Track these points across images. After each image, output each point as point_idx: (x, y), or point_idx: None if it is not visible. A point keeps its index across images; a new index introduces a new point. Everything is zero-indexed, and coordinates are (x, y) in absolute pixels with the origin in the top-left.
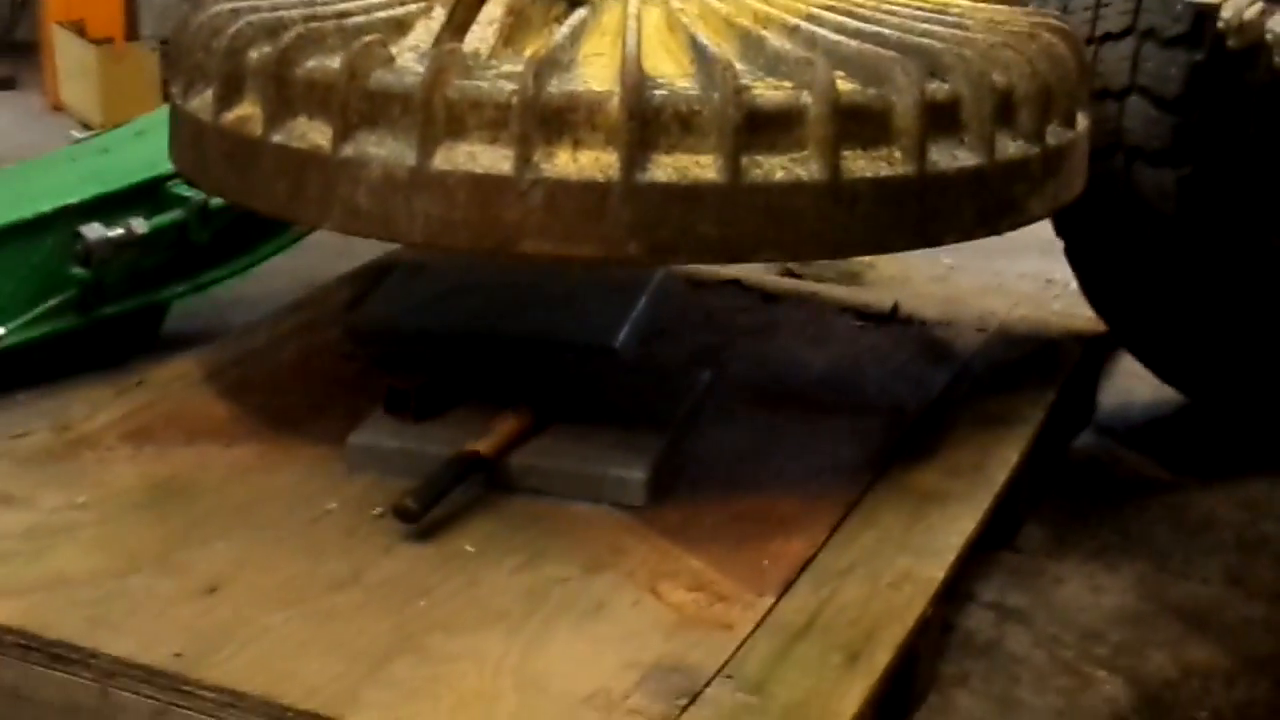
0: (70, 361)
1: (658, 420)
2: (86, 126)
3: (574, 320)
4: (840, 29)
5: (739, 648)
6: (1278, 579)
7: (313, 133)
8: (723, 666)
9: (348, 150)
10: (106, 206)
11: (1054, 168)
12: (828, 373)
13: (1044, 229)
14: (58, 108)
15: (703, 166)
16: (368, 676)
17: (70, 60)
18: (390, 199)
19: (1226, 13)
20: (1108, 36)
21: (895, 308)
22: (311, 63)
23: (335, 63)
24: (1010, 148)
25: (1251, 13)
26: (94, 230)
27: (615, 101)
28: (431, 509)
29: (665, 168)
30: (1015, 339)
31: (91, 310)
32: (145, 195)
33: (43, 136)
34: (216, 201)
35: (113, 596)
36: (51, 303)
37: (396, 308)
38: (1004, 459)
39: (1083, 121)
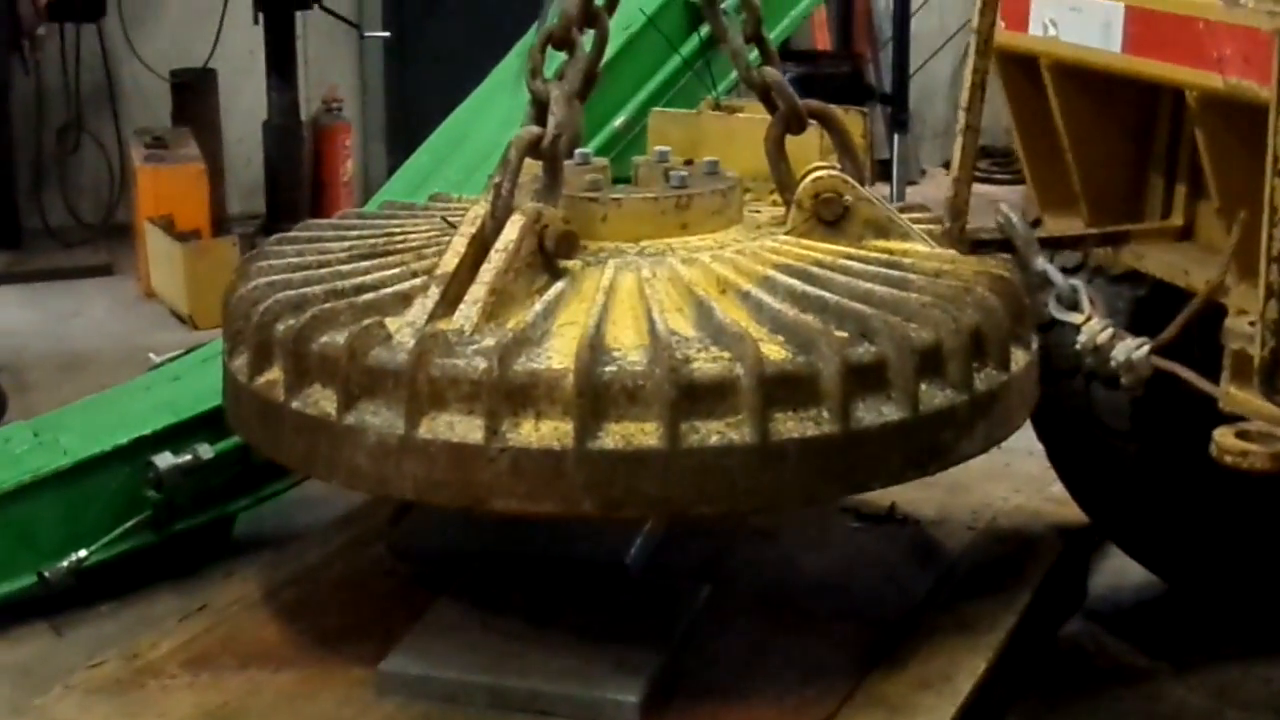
0: (149, 569)
1: (656, 638)
2: (176, 316)
3: (588, 538)
4: (789, 293)
5: None
6: None
7: (323, 400)
8: None
9: (350, 419)
10: (177, 435)
11: (984, 410)
12: (822, 578)
13: None
14: (150, 295)
15: (646, 434)
16: None
17: (159, 254)
18: (384, 462)
19: (1083, 337)
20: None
21: (892, 508)
22: (324, 339)
23: (341, 340)
24: (937, 398)
25: (1138, 354)
26: (165, 459)
27: (570, 379)
28: None
29: (614, 435)
30: (1002, 535)
31: (165, 528)
32: (212, 422)
33: (134, 325)
34: None
35: None
36: (128, 524)
37: (430, 527)
38: (972, 669)
39: (1022, 358)
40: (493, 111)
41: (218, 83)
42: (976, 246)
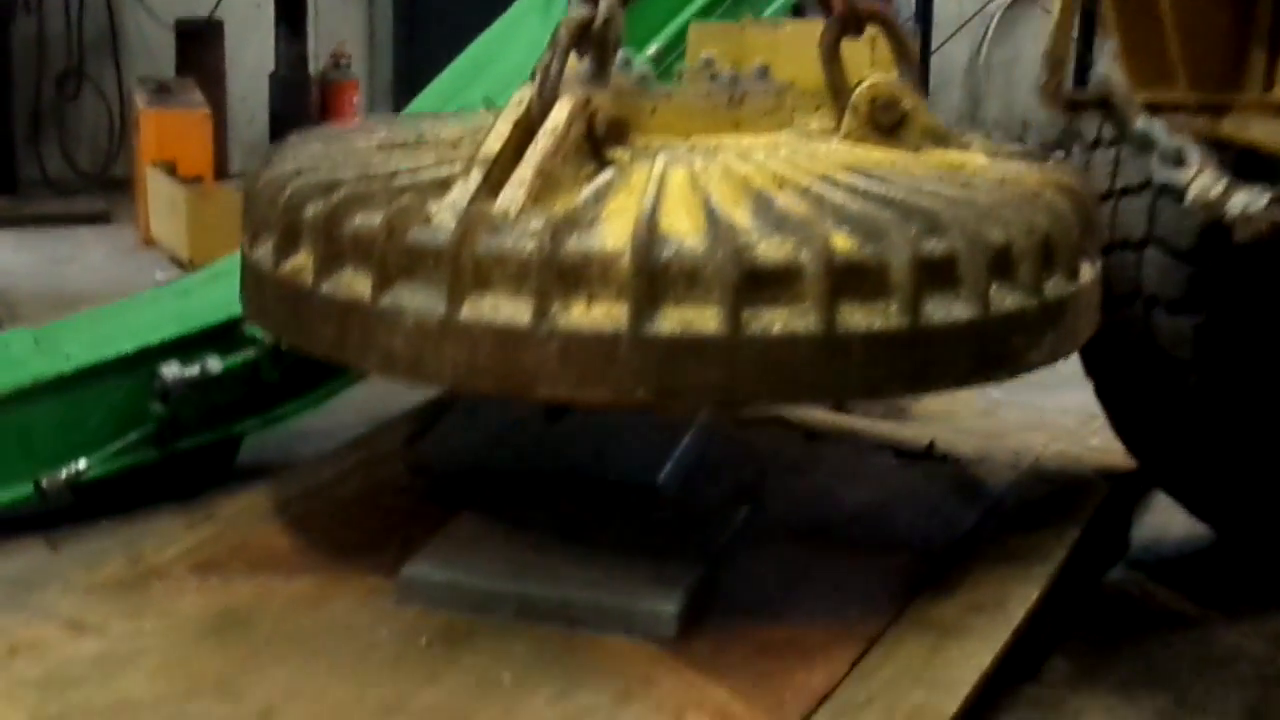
0: (148, 492)
1: (693, 553)
2: (175, 262)
3: (619, 458)
4: (850, 189)
5: None
6: None
7: (356, 283)
8: None
9: (385, 300)
10: (184, 347)
11: (1053, 319)
12: (861, 510)
13: None
14: (149, 242)
15: (706, 319)
16: None
17: (160, 198)
18: (422, 346)
19: (1193, 192)
20: (1126, 190)
21: (931, 445)
22: (358, 219)
23: (378, 220)
24: (1007, 300)
25: (1257, 207)
26: (172, 369)
27: (626, 259)
28: None
29: (671, 320)
30: (1047, 476)
31: (168, 444)
32: (220, 336)
33: (133, 271)
34: None
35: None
36: (130, 437)
37: (453, 445)
38: (1024, 596)
39: (1088, 273)
40: (521, 34)
41: (224, 33)
42: (1073, 106)
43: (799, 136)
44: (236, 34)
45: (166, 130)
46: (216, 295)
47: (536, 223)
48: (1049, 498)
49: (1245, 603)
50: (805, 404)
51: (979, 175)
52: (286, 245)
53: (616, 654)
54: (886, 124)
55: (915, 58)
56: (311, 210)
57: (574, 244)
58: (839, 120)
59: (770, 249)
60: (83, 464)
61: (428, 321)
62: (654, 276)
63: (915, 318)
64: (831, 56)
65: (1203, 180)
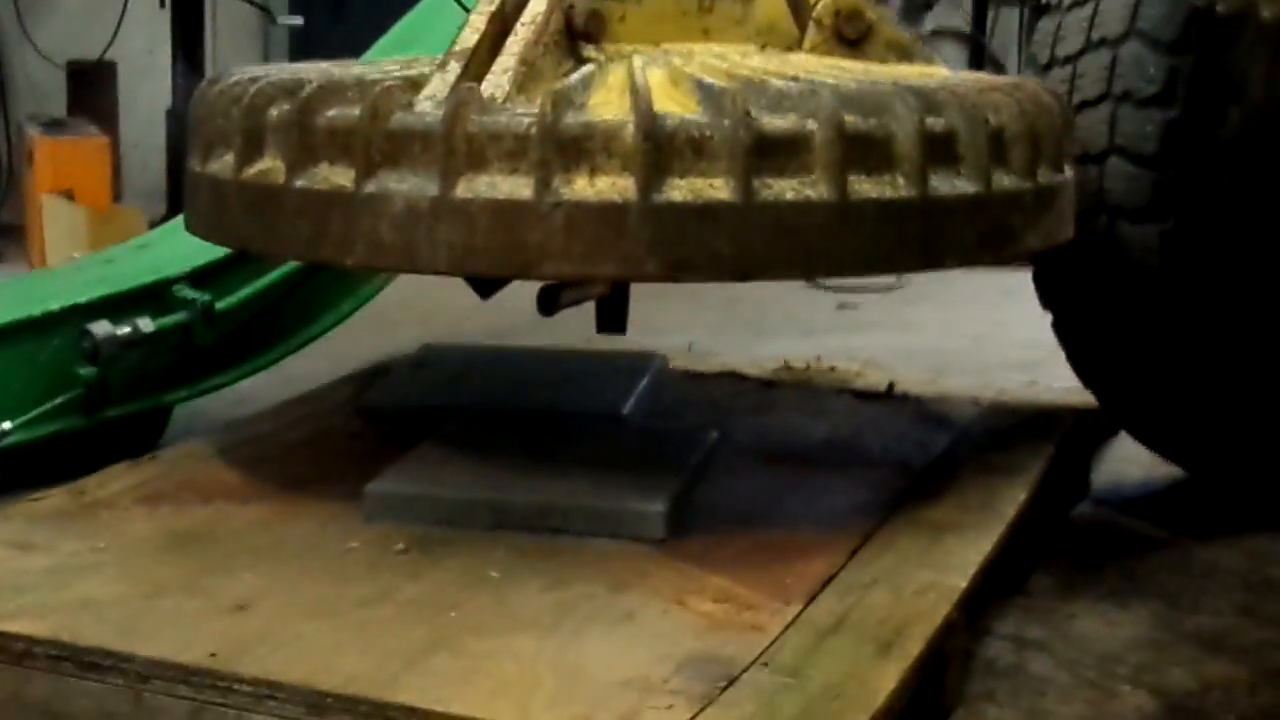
0: (72, 466)
1: (671, 466)
2: None
3: (579, 395)
4: (839, 78)
5: (772, 643)
6: None
7: (335, 175)
8: (758, 657)
9: (370, 187)
10: (114, 307)
11: (1046, 204)
12: (830, 438)
13: (1028, 350)
14: None
15: (716, 188)
16: (405, 669)
17: (60, 226)
18: (413, 230)
19: None
20: (1084, 104)
21: (891, 386)
22: (332, 111)
23: (355, 111)
24: (1005, 181)
25: None
26: (102, 327)
27: (630, 128)
28: None
29: (680, 189)
30: (1010, 409)
31: (96, 411)
32: (151, 298)
33: None
34: (221, 304)
35: (141, 614)
36: (57, 400)
37: (406, 389)
38: (1012, 497)
39: (1070, 171)
40: (444, 19)
41: (117, 75)
42: None
43: (769, 48)
44: (129, 77)
45: (63, 159)
46: (145, 260)
47: (529, 106)
48: (1017, 425)
49: (1217, 530)
50: (819, 276)
51: (951, 82)
52: (250, 150)
53: (605, 554)
54: (851, 36)
55: None
56: (277, 111)
57: (574, 117)
58: (801, 36)
59: (777, 118)
60: (6, 425)
61: (419, 204)
62: (660, 145)
63: (923, 189)
64: None
65: None
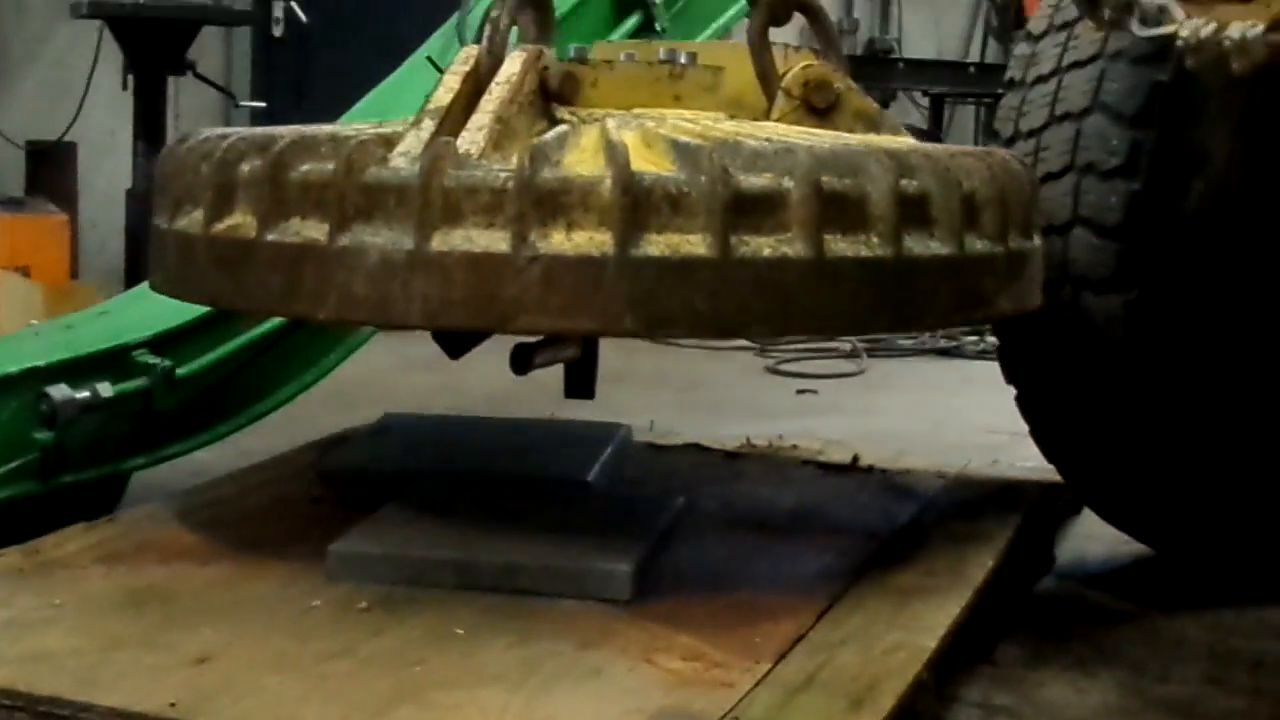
0: (24, 534)
1: (638, 530)
2: None
3: (544, 461)
4: (812, 141)
5: (742, 699)
6: (1255, 680)
7: (308, 229)
8: (728, 712)
9: (344, 240)
10: (73, 371)
11: (1017, 270)
12: (796, 507)
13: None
14: None
15: (693, 244)
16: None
17: (15, 303)
18: (388, 283)
19: (1185, 31)
20: (1049, 176)
21: (856, 458)
22: (306, 166)
23: (329, 165)
24: (978, 244)
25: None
26: (60, 391)
27: (607, 183)
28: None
29: (658, 244)
30: (975, 483)
31: (52, 477)
32: (111, 363)
33: None
34: (182, 370)
35: (99, 665)
36: (12, 465)
37: (368, 453)
38: (980, 563)
39: (1038, 240)
40: (416, 87)
41: (77, 155)
42: None
43: (738, 117)
44: (90, 157)
45: (20, 236)
46: (105, 326)
47: (504, 163)
48: (983, 497)
49: (1182, 603)
50: (796, 334)
51: (920, 150)
52: (221, 204)
53: (571, 613)
54: (820, 105)
55: (840, 45)
56: (249, 165)
57: (551, 172)
58: (770, 105)
59: (754, 175)
60: None
61: (394, 257)
62: (638, 200)
63: (898, 248)
64: (761, 43)
65: (1193, 22)
